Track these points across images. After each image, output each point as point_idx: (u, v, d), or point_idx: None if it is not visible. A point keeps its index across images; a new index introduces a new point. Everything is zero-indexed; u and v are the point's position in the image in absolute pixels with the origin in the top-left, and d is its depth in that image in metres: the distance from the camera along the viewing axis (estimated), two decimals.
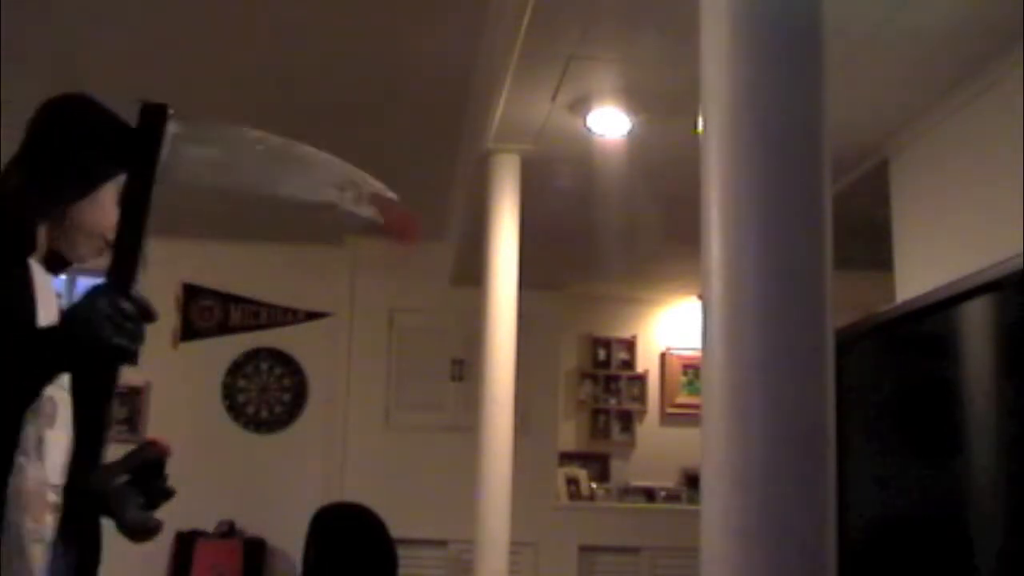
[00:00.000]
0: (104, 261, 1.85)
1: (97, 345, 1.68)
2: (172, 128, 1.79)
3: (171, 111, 1.81)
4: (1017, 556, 2.93)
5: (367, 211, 2.03)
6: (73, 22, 5.08)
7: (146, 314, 1.74)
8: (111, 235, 1.88)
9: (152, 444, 1.99)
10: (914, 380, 3.68)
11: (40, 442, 1.88)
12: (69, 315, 1.72)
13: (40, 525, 1.86)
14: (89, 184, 2.00)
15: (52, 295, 2.02)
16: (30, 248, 1.97)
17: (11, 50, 5.21)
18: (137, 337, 1.74)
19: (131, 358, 1.75)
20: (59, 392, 1.93)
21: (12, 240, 1.95)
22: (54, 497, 1.89)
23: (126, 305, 1.71)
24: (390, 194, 2.06)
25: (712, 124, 2.25)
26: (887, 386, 3.84)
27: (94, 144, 1.95)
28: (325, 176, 2.02)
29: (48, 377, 1.77)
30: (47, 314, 1.95)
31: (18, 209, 1.96)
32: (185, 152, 1.81)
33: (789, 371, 2.07)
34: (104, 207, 2.02)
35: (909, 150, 5.51)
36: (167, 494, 2.02)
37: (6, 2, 4.45)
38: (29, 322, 1.88)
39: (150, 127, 1.80)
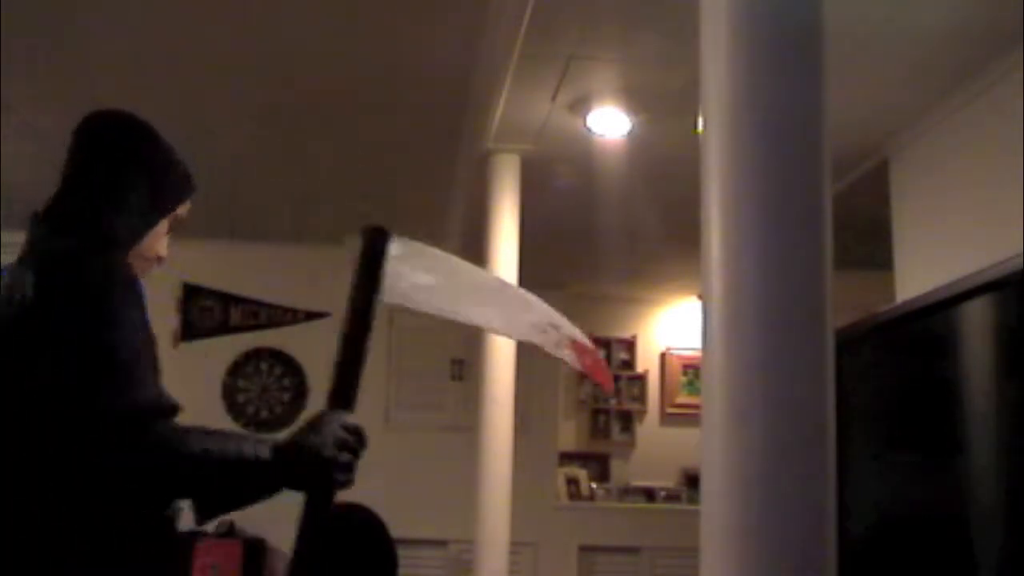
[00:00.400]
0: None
1: (325, 468, 1.91)
2: (392, 250, 1.99)
3: (392, 235, 2.01)
4: (1018, 556, 2.93)
5: (567, 355, 2.18)
6: (73, 23, 5.08)
7: (362, 441, 1.96)
8: (162, 253, 2.14)
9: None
10: (914, 380, 3.68)
11: None
12: (302, 439, 1.90)
13: None
14: (162, 215, 2.13)
15: None
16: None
17: (11, 51, 5.21)
18: (355, 464, 1.96)
19: (348, 482, 1.97)
20: None
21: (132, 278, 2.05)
22: None
23: (351, 432, 1.93)
24: (587, 341, 2.21)
25: (712, 124, 2.25)
26: (887, 386, 3.83)
27: (167, 177, 2.15)
28: (530, 316, 2.16)
29: (271, 493, 1.96)
30: None
31: (126, 245, 2.06)
32: (399, 273, 2.02)
33: (789, 371, 2.07)
34: (159, 233, 2.14)
35: (909, 150, 5.51)
36: None
37: (6, 3, 4.44)
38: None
39: (374, 251, 2.00)
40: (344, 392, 1.98)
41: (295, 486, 1.95)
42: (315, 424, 1.91)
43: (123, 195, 2.05)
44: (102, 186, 2.05)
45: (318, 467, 1.89)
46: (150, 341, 1.95)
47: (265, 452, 1.88)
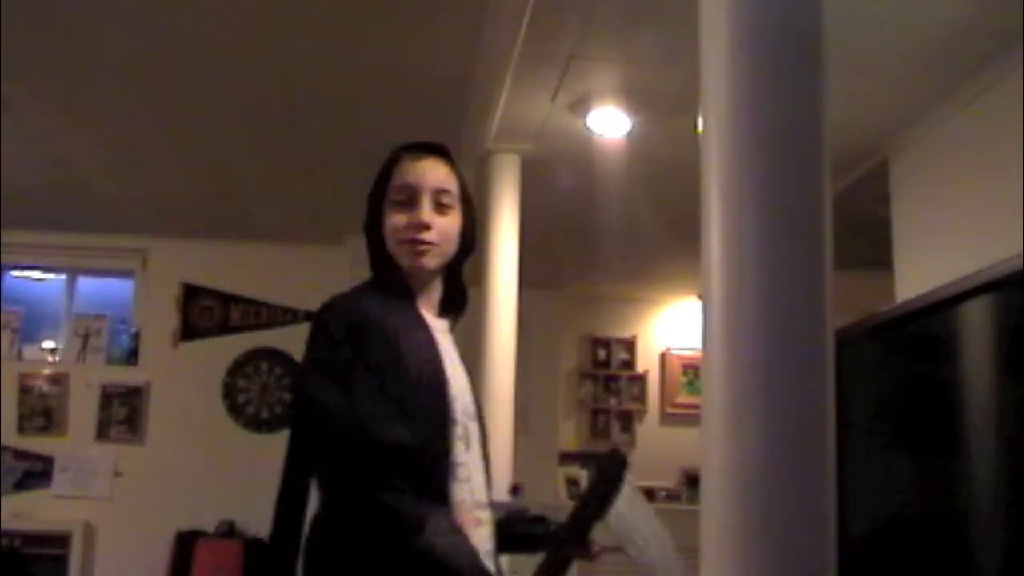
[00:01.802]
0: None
1: None
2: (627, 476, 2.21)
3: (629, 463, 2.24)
4: (1019, 556, 2.93)
5: None
6: (73, 22, 5.08)
7: None
8: (405, 234, 2.18)
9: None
10: (914, 380, 3.68)
11: (460, 466, 2.09)
12: None
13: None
14: (375, 215, 2.26)
15: (446, 337, 2.28)
16: (411, 298, 2.23)
17: (11, 52, 5.21)
18: None
19: None
20: (471, 423, 2.17)
21: (400, 296, 2.23)
22: (479, 513, 2.11)
23: None
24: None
25: (712, 124, 2.25)
26: (887, 386, 3.83)
27: (374, 186, 2.28)
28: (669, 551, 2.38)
29: None
30: (447, 359, 2.18)
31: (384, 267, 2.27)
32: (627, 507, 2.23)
33: (789, 371, 2.07)
34: (387, 221, 2.22)
35: (909, 150, 5.51)
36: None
37: (6, 3, 4.45)
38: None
39: (613, 473, 2.23)
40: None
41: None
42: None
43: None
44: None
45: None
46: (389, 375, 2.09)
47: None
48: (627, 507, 2.22)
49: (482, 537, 2.07)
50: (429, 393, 2.07)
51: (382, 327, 2.06)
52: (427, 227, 2.17)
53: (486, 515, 2.13)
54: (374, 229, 2.23)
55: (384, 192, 2.22)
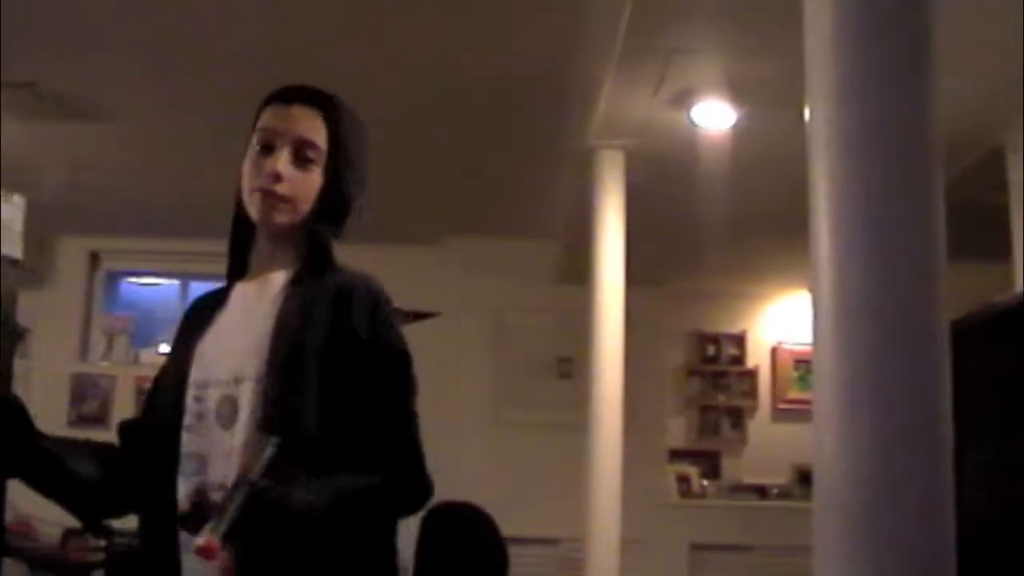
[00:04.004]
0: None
1: None
2: None
3: None
4: None
5: None
6: (172, 31, 5.18)
7: None
8: (259, 182, 1.97)
9: None
10: None
11: (188, 458, 1.92)
12: None
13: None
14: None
15: (252, 300, 2.01)
16: (237, 275, 2.07)
17: (112, 62, 5.33)
18: None
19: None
20: (235, 387, 1.90)
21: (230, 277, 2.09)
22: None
23: None
24: None
25: (817, 114, 2.21)
26: (1005, 378, 3.73)
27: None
28: None
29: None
30: (220, 329, 2.00)
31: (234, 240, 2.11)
32: None
33: (902, 365, 2.02)
34: (244, 167, 2.04)
35: None
36: None
37: (107, 15, 4.54)
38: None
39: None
40: None
41: None
42: None
43: None
44: None
45: None
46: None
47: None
48: None
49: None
50: (167, 389, 1.97)
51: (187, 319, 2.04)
52: (279, 178, 1.94)
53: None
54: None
55: (249, 140, 2.01)
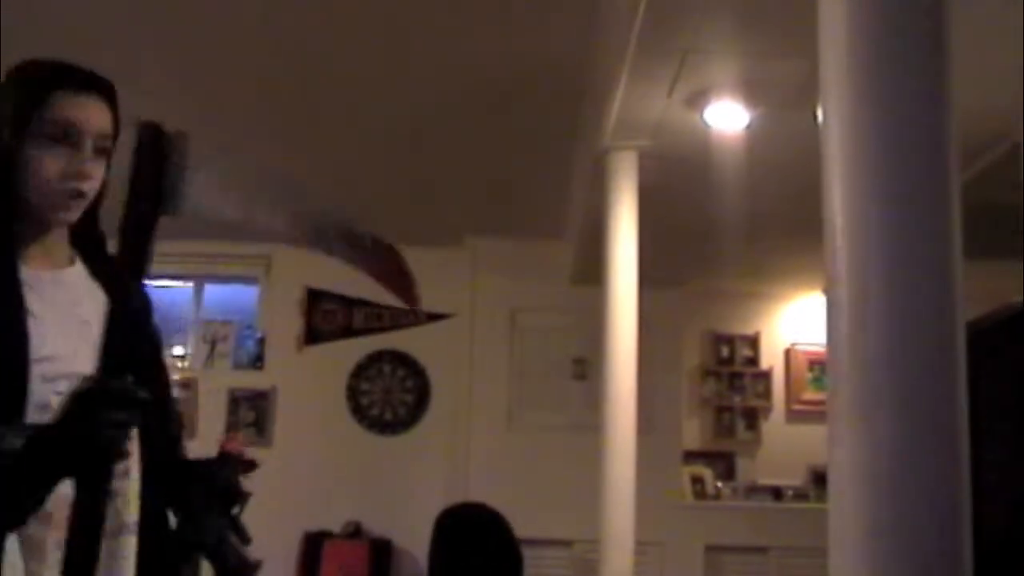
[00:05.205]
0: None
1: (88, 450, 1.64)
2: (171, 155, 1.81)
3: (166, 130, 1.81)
4: None
5: (345, 253, 2.08)
6: (199, 35, 5.19)
7: (126, 399, 1.68)
8: (60, 183, 1.83)
9: (230, 457, 1.92)
10: None
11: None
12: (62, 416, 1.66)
13: None
14: (13, 149, 1.83)
15: (71, 291, 1.92)
16: (7, 256, 1.84)
17: (141, 68, 5.35)
18: (125, 433, 1.68)
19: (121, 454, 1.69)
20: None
21: None
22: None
23: (112, 394, 1.66)
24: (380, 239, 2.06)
25: (832, 114, 2.20)
26: (1021, 377, 3.72)
27: (4, 105, 1.86)
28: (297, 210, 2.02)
29: (50, 486, 1.67)
30: (60, 316, 1.86)
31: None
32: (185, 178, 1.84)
33: (918, 365, 2.01)
34: (33, 161, 1.83)
35: None
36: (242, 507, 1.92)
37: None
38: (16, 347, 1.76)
39: (150, 149, 1.81)
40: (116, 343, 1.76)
41: (68, 470, 1.67)
42: (82, 392, 1.67)
43: None
44: None
45: (89, 446, 1.63)
46: None
47: (17, 442, 1.63)
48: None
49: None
50: None
51: None
52: (88, 176, 1.86)
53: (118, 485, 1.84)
54: (5, 165, 1.83)
55: (28, 119, 1.82)
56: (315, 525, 8.34)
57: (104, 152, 1.89)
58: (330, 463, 8.57)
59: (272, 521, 8.36)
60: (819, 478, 8.85)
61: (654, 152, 5.73)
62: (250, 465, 1.84)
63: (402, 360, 8.98)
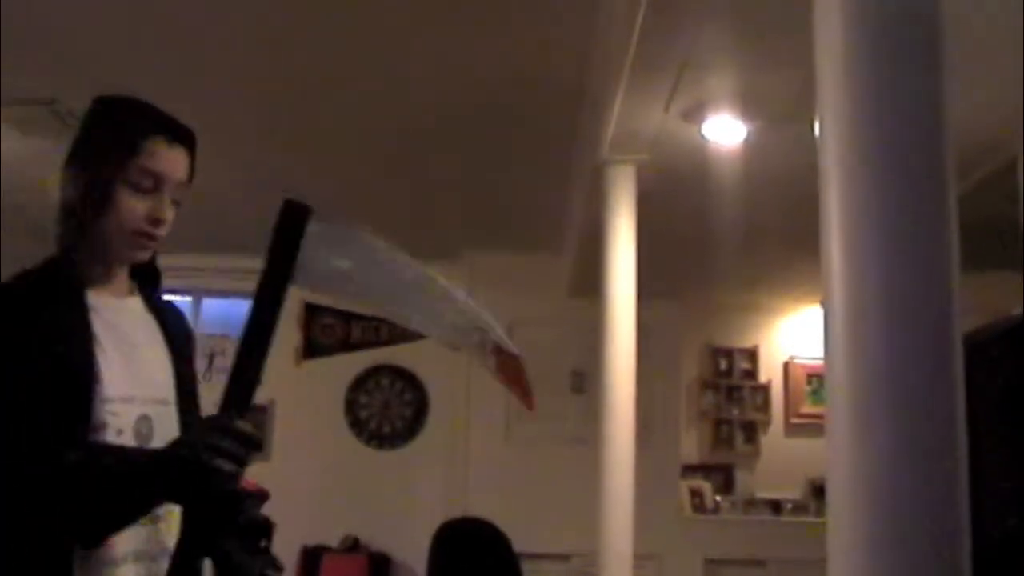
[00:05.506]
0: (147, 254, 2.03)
1: (199, 473, 1.72)
2: (311, 229, 1.83)
3: (313, 212, 1.84)
4: None
5: (489, 362, 2.03)
6: (200, 48, 5.20)
7: (247, 443, 1.82)
8: (141, 225, 1.97)
9: (253, 495, 1.92)
10: None
11: None
12: (172, 447, 1.77)
13: None
14: (105, 190, 1.95)
15: (132, 318, 2.05)
16: (77, 285, 1.96)
17: (142, 79, 5.35)
18: (238, 473, 1.80)
19: (229, 490, 1.77)
20: (157, 407, 1.99)
21: (61, 282, 1.95)
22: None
23: (233, 436, 1.79)
24: (513, 349, 2.07)
25: (828, 127, 2.20)
26: (1019, 390, 3.72)
27: (99, 145, 1.99)
28: (453, 315, 2.02)
29: (152, 504, 1.80)
30: (119, 343, 1.95)
31: (63, 249, 1.98)
32: (316, 256, 1.84)
33: (916, 377, 2.01)
34: (121, 203, 1.96)
35: None
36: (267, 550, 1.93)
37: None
38: (84, 366, 1.86)
39: (292, 227, 1.83)
40: (237, 391, 1.86)
41: (177, 497, 1.79)
42: (199, 426, 1.84)
43: (66, 178, 1.98)
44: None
45: (200, 475, 1.72)
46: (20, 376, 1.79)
47: (141, 464, 1.75)
48: (363, 265, 1.89)
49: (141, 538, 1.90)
50: (60, 398, 1.82)
51: (30, 324, 1.85)
52: (166, 222, 2.02)
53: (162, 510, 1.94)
54: (97, 202, 1.95)
55: (124, 164, 1.96)
56: (313, 539, 8.33)
57: (178, 199, 2.05)
58: (328, 477, 8.56)
59: None
60: (818, 491, 8.85)
61: (652, 165, 5.74)
62: (264, 496, 1.90)
63: (400, 374, 8.99)
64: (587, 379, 8.46)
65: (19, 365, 1.79)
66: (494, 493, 8.23)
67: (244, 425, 1.82)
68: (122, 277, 2.07)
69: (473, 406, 8.64)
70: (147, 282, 2.16)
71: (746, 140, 5.49)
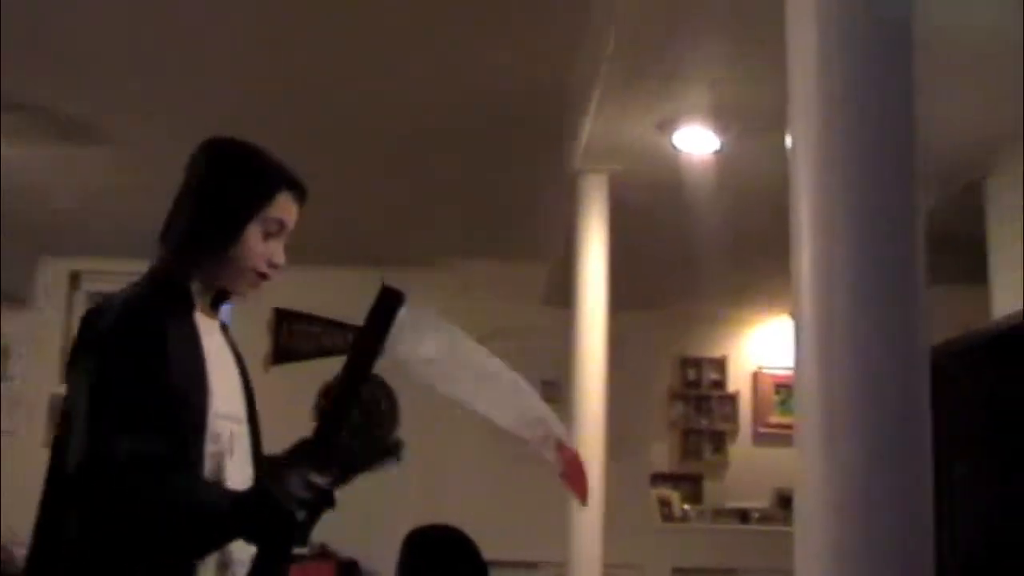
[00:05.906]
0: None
1: (285, 524, 1.90)
2: (402, 313, 2.06)
3: (406, 299, 2.05)
4: None
5: (550, 455, 2.19)
6: (170, 58, 5.19)
7: (326, 501, 2.00)
8: (262, 266, 2.17)
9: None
10: (1013, 397, 3.60)
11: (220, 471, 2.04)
12: (263, 492, 1.92)
13: None
14: (238, 228, 2.13)
15: (218, 339, 2.20)
16: (190, 306, 2.12)
17: (113, 85, 5.34)
18: (312, 525, 1.98)
19: (303, 542, 1.96)
20: (238, 425, 2.15)
21: (181, 305, 2.10)
22: None
23: (315, 491, 1.95)
24: (571, 445, 2.22)
25: (800, 141, 2.23)
26: (985, 404, 3.75)
27: (238, 187, 2.16)
28: (518, 407, 2.23)
29: (228, 540, 1.93)
30: (216, 363, 2.10)
31: (180, 272, 2.13)
32: (402, 338, 2.08)
33: (884, 389, 2.04)
34: (250, 243, 2.14)
35: (1009, 166, 5.39)
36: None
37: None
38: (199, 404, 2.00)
39: (387, 311, 2.07)
40: (321, 445, 2.03)
41: (252, 538, 1.93)
42: (280, 475, 1.94)
43: (197, 210, 2.15)
44: (180, 206, 2.18)
45: (278, 523, 1.89)
46: (149, 387, 1.92)
47: (225, 504, 1.89)
48: (443, 353, 2.12)
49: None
50: (183, 407, 1.98)
51: (159, 335, 1.98)
52: (279, 266, 2.22)
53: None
54: (228, 237, 2.14)
55: (260, 209, 2.16)
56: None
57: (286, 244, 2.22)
58: None
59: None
60: (785, 501, 8.87)
61: (625, 176, 5.76)
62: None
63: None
64: (559, 388, 8.46)
65: (154, 374, 1.92)
66: (464, 500, 8.21)
67: (325, 483, 1.98)
68: (207, 299, 2.21)
69: (445, 413, 8.60)
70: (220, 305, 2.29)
71: (719, 151, 5.52)
